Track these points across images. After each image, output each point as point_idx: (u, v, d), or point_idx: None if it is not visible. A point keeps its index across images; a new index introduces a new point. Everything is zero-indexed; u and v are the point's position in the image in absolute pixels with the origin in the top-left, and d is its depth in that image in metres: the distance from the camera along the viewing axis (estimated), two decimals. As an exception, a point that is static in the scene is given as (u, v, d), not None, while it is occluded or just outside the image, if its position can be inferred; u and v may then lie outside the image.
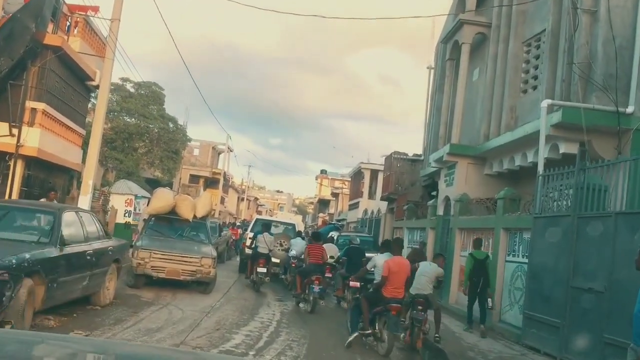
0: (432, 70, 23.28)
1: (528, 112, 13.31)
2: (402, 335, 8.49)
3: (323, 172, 73.64)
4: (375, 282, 9.17)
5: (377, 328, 8.44)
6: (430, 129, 21.31)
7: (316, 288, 11.37)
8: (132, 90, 31.49)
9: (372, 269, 9.48)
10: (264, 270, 13.70)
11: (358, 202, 34.52)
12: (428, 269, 9.47)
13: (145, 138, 31.14)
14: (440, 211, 16.98)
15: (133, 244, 13.75)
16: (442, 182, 17.16)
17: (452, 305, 14.54)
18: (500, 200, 12.38)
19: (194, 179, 49.11)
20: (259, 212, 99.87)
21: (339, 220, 41.81)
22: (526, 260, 11.08)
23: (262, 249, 14.32)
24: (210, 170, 50.57)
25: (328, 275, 12.87)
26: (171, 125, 32.09)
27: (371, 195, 33.64)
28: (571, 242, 9.07)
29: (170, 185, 30.48)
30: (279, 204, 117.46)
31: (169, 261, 11.79)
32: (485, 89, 15.56)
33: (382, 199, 25.95)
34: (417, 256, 11.48)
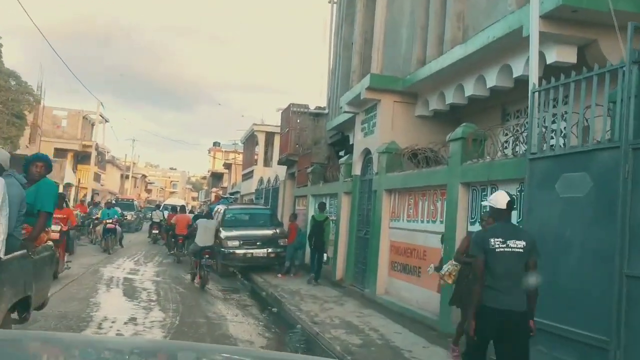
0: (335, 5, 19.09)
1: (484, 16, 9.21)
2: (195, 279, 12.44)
3: (216, 144, 68.41)
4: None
5: (176, 250, 17.55)
6: (336, 71, 16.98)
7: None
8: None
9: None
10: (157, 231, 22.66)
11: (252, 170, 29.76)
12: (210, 225, 12.58)
13: (-24, 99, 24.37)
14: (358, 170, 12.75)
15: None
16: (358, 132, 12.87)
17: (381, 297, 10.42)
18: (457, 142, 8.22)
19: (61, 152, 41.93)
20: (149, 191, 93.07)
21: (232, 194, 37.09)
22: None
23: (155, 219, 23.50)
24: (80, 143, 43.73)
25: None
26: (13, 83, 25.39)
27: (267, 162, 28.99)
28: (620, 196, 5.06)
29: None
30: (171, 181, 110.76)
31: None
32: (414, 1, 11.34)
33: (279, 162, 21.39)
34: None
